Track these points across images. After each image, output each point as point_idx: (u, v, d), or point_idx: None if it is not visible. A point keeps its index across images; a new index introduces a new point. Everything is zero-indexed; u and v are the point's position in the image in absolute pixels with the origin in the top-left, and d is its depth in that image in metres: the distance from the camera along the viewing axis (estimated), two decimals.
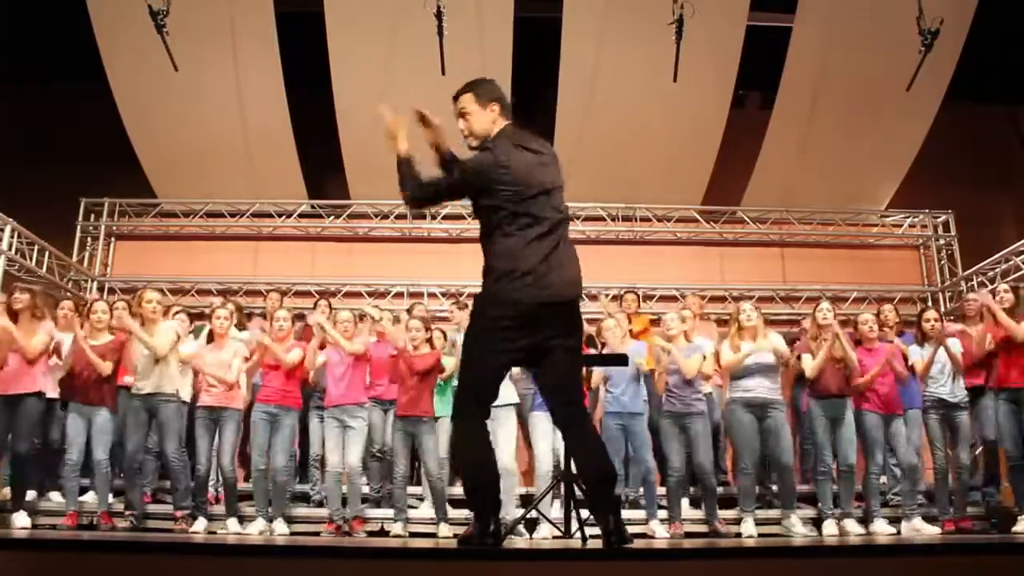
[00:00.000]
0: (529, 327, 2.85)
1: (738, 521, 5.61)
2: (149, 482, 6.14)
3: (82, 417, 5.48)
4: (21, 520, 5.22)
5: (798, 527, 5.50)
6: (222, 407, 5.53)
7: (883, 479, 6.18)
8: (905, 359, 5.90)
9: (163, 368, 5.42)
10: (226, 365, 5.58)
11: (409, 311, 6.68)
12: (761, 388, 5.51)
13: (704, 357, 5.67)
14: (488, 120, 3.03)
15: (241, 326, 6.49)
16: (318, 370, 5.88)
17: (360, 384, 5.69)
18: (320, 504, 6.17)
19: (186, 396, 5.64)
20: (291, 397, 5.64)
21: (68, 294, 7.77)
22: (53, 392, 5.72)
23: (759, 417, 5.52)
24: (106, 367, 5.45)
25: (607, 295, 8.01)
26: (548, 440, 5.63)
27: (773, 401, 5.53)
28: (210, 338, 5.88)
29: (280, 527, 5.53)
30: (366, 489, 6.12)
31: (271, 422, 5.56)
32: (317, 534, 5.65)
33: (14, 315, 5.49)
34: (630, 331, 6.34)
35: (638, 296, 7.59)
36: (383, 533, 5.78)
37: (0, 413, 5.35)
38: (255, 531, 5.42)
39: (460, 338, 6.26)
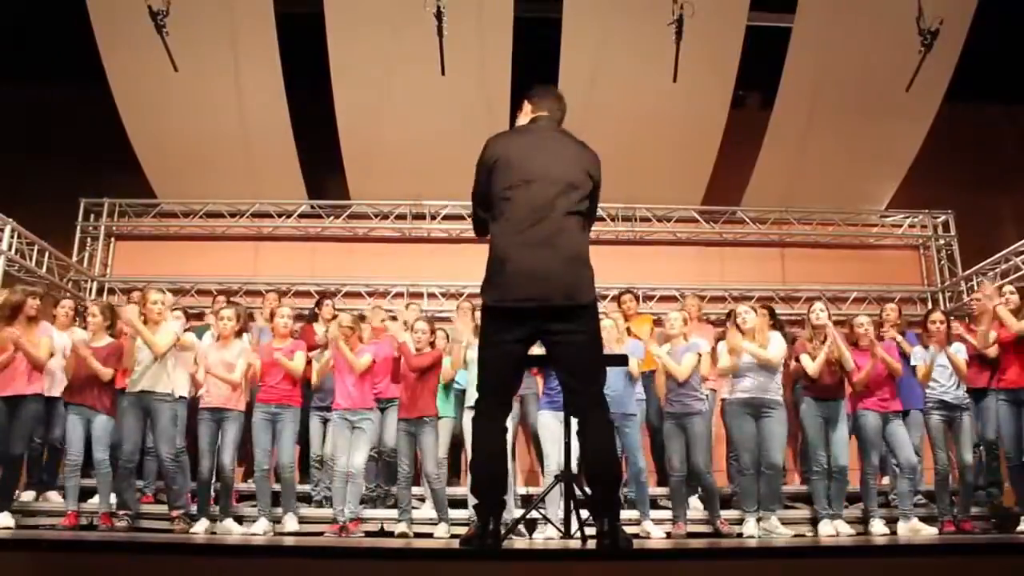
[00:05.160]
0: (519, 320, 2.85)
1: (739, 521, 5.60)
2: (150, 482, 6.13)
3: (81, 418, 5.48)
4: (4, 520, 5.21)
5: (779, 529, 5.46)
6: (224, 408, 5.53)
7: (884, 479, 6.18)
8: (904, 355, 5.89)
9: (159, 367, 5.41)
10: (231, 365, 5.59)
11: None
12: (757, 388, 5.50)
13: (699, 355, 5.64)
14: (523, 118, 3.22)
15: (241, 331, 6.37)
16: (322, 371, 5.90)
17: (369, 389, 5.69)
18: (321, 504, 6.17)
19: (182, 392, 5.64)
20: (292, 396, 5.67)
21: (68, 294, 7.76)
22: (56, 391, 5.71)
23: (755, 417, 5.51)
24: (107, 373, 5.46)
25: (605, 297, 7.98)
26: (557, 440, 5.56)
27: (770, 401, 5.50)
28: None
29: (291, 523, 5.58)
30: (364, 489, 6.13)
31: (272, 421, 5.58)
32: (319, 534, 5.65)
33: (14, 314, 5.49)
34: (628, 329, 6.30)
35: (636, 297, 7.57)
36: (382, 533, 5.78)
37: None
38: (259, 531, 5.43)
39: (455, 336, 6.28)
